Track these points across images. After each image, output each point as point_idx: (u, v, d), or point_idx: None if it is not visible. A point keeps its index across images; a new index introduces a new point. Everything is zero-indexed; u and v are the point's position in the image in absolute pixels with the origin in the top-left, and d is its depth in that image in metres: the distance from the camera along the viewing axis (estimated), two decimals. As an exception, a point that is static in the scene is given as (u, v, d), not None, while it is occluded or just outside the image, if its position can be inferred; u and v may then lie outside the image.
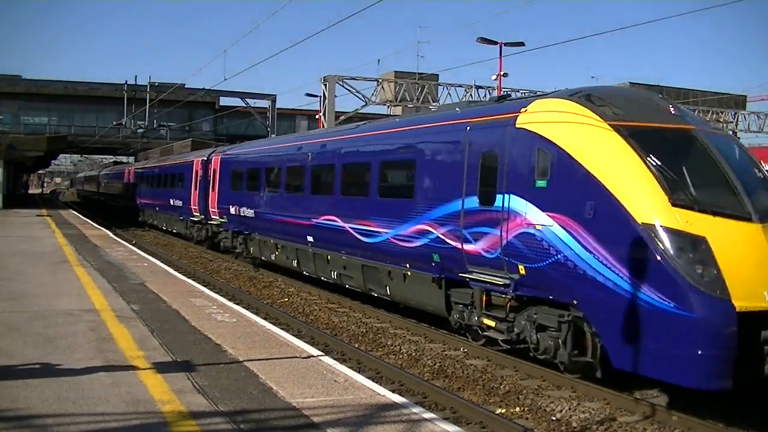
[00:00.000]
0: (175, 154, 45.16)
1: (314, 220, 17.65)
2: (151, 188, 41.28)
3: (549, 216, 10.09)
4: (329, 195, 17.33)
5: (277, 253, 21.33)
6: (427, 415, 7.51)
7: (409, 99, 42.73)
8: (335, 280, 17.48)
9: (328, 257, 17.44)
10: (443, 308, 13.18)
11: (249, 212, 22.98)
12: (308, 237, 18.19)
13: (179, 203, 33.33)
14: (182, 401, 7.32)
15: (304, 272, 19.52)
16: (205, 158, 29.37)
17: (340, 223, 16.26)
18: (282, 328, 12.39)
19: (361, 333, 14.50)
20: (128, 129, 57.36)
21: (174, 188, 35.08)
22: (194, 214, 30.72)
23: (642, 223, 8.94)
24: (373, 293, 15.85)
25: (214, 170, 27.61)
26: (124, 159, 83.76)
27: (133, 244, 28.04)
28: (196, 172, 30.46)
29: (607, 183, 9.39)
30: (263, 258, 22.98)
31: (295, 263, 19.88)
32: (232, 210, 24.70)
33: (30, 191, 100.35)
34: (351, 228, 15.72)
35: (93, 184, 75.90)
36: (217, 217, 27.10)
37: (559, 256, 9.90)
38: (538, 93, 11.87)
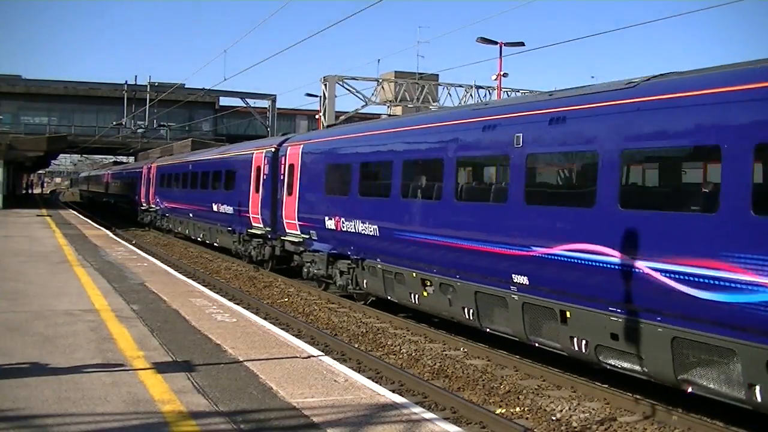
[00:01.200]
0: (218, 148, 35.39)
1: (537, 250, 10.89)
2: (183, 190, 34.32)
3: None
4: (583, 207, 10.30)
5: (425, 293, 14.11)
6: (427, 415, 7.51)
7: (409, 99, 42.78)
8: (579, 353, 10.42)
9: (568, 314, 10.52)
10: None
11: (366, 227, 15.96)
12: (516, 276, 11.40)
13: (228, 210, 26.48)
14: (182, 401, 7.32)
15: (487, 330, 12.57)
16: (274, 149, 22.32)
17: (618, 257, 9.47)
18: (282, 328, 12.41)
19: (361, 333, 14.51)
20: (128, 129, 57.38)
21: (218, 190, 28.31)
22: (254, 224, 23.78)
23: None
24: (687, 389, 8.89)
25: (292, 165, 20.68)
26: (123, 159, 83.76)
27: (133, 244, 28.10)
28: (258, 168, 23.49)
29: None
30: (389, 297, 15.71)
31: (470, 314, 12.74)
32: (330, 223, 17.84)
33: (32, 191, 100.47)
34: (654, 269, 8.94)
35: (99, 184, 71.53)
36: (297, 231, 20.14)
37: None
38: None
